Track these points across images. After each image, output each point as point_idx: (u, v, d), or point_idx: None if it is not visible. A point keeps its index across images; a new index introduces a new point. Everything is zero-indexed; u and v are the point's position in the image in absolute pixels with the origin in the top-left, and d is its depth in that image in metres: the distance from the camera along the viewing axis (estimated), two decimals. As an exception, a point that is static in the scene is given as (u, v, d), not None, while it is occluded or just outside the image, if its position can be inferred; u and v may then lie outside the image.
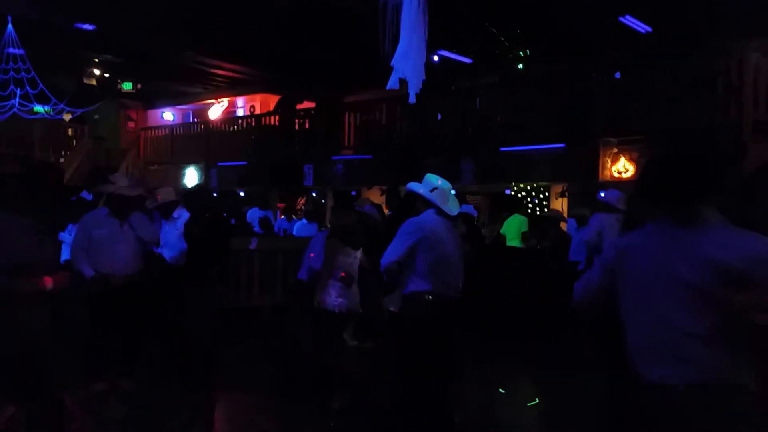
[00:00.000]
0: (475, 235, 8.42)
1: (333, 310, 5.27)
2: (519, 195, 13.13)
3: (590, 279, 2.77)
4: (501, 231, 10.37)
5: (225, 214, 7.64)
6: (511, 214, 10.52)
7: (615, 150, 10.17)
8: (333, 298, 5.26)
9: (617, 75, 10.83)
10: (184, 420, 5.03)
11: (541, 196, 12.96)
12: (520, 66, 13.77)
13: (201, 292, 5.91)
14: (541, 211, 12.45)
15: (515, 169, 11.35)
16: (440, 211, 4.44)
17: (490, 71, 12.90)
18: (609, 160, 10.12)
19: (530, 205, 13.03)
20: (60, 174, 3.62)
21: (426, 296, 4.36)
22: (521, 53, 13.76)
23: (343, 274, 5.27)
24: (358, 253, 5.44)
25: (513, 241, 10.00)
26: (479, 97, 12.37)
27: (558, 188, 12.28)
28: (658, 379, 2.37)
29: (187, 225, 6.11)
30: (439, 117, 12.85)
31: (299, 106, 16.25)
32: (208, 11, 11.90)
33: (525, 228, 10.02)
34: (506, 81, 12.56)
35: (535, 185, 12.82)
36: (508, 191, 12.96)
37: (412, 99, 7.62)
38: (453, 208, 4.46)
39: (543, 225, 9.75)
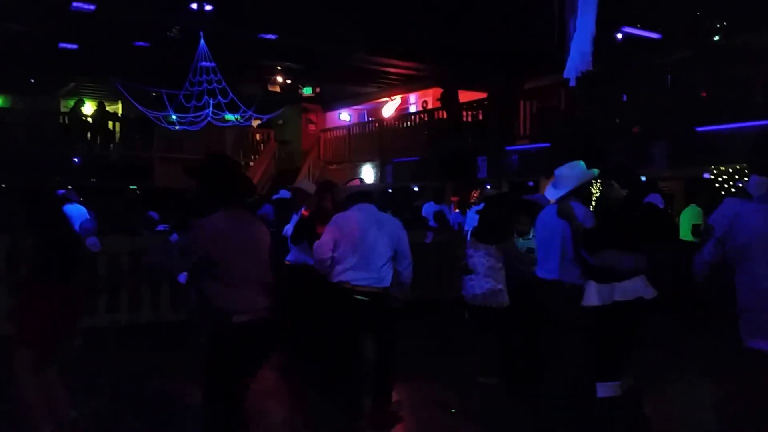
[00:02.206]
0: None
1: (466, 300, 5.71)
2: (720, 179, 11.84)
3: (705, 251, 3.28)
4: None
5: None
6: (687, 204, 9.52)
7: (835, 124, 8.92)
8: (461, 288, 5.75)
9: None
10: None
11: (746, 179, 11.58)
12: (716, 37, 12.51)
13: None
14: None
15: (715, 151, 10.40)
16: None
17: (681, 45, 11.82)
18: (827, 136, 8.91)
19: (733, 190, 11.69)
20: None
21: None
22: (717, 23, 12.50)
23: (462, 263, 5.72)
24: (483, 247, 5.56)
25: (685, 235, 9.02)
26: (671, 74, 11.46)
27: (767, 170, 10.92)
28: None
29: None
30: (625, 98, 12.01)
31: (470, 98, 15.95)
32: (378, 11, 12.05)
33: (697, 220, 8.96)
34: (702, 54, 11.43)
35: (738, 167, 11.51)
36: (707, 175, 11.74)
37: (572, 83, 7.34)
38: (551, 192, 4.54)
39: None
